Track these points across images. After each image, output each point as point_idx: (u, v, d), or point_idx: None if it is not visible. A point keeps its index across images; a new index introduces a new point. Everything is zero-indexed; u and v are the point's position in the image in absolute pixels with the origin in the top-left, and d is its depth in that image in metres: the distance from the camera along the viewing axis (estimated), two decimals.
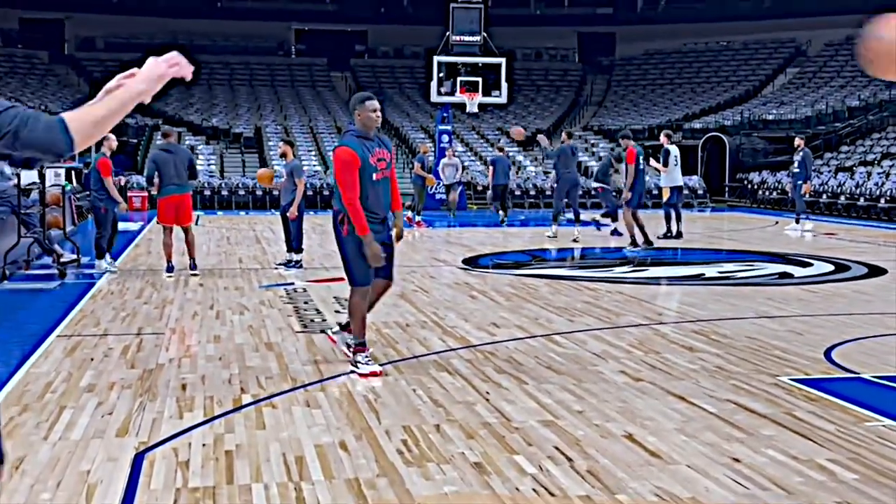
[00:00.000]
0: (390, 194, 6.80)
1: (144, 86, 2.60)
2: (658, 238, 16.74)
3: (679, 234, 17.42)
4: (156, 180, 11.95)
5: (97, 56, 44.86)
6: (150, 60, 2.70)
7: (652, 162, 17.86)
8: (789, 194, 21.20)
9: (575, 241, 16.67)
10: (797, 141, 19.74)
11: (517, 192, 29.13)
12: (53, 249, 12.60)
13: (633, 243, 15.57)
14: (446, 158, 23.70)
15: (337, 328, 7.43)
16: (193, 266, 12.28)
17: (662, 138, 17.87)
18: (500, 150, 23.63)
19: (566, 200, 17.69)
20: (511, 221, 22.00)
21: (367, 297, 6.77)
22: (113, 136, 12.48)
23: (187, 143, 33.84)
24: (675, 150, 17.71)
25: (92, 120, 2.45)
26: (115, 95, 2.54)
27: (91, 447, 4.94)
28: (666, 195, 17.65)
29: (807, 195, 19.52)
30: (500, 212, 21.57)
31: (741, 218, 24.72)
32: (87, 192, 14.85)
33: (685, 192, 21.71)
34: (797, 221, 19.30)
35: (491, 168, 21.73)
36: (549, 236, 17.63)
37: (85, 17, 44.91)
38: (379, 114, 6.67)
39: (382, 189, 6.70)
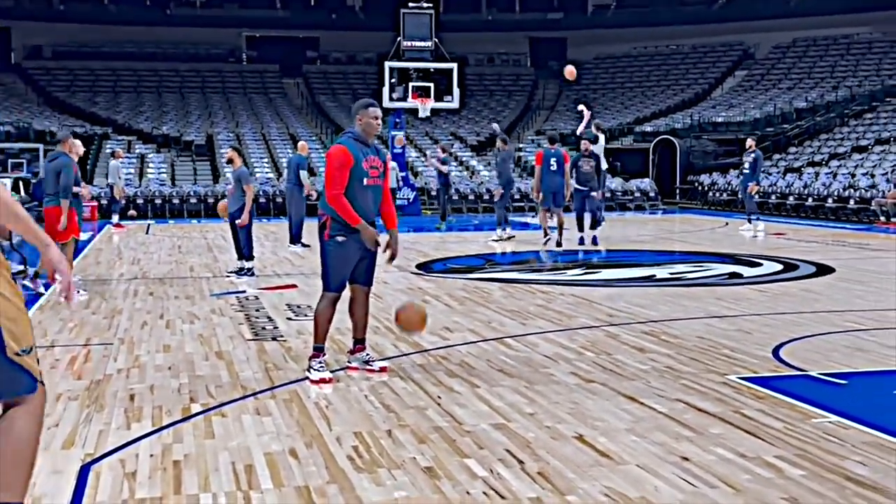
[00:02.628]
0: (379, 205, 6.78)
1: (48, 252, 3.09)
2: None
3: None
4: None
5: (44, 65, 44.34)
6: (64, 267, 3.26)
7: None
8: (739, 195, 21.45)
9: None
10: (749, 142, 19.97)
11: (470, 197, 29.21)
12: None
13: (546, 242, 16.57)
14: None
15: (349, 357, 7.04)
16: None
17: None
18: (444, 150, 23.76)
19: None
20: (464, 226, 22.02)
21: (334, 304, 6.75)
22: (79, 143, 12.25)
23: (138, 151, 33.52)
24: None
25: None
26: (30, 220, 3.02)
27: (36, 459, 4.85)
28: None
29: (755, 196, 19.73)
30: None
31: (692, 219, 24.95)
32: (37, 202, 14.60)
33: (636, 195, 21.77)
34: (749, 222, 19.51)
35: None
36: (495, 240, 17.69)
37: (31, 25, 44.32)
38: (380, 121, 6.75)
39: (372, 196, 6.68)
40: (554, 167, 16.38)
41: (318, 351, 6.67)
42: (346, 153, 6.55)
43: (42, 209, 11.35)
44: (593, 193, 17.30)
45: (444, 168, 21.75)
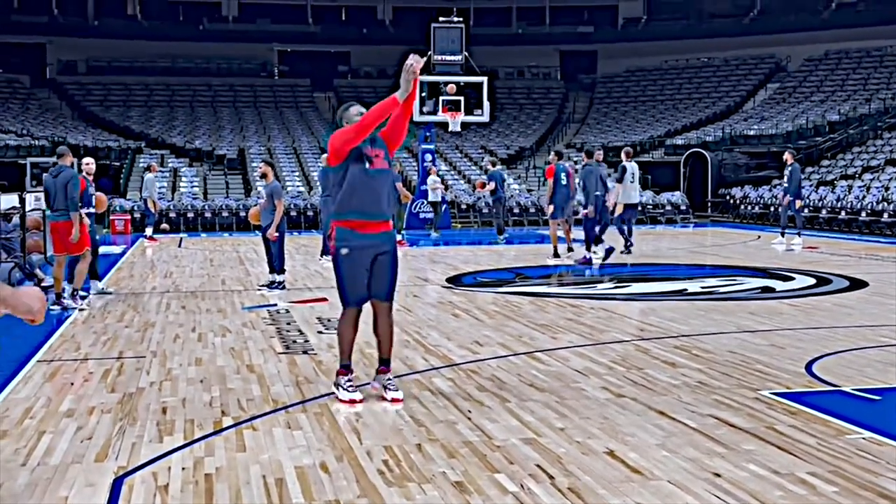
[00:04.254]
0: (386, 195, 6.38)
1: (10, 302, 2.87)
2: (621, 252, 17.25)
3: (627, 249, 17.70)
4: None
5: (79, 80, 44.85)
6: (36, 295, 2.96)
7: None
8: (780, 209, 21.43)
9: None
10: (785, 156, 19.91)
11: (516, 210, 29.31)
12: (34, 274, 12.54)
13: (556, 254, 16.75)
14: (431, 177, 23.82)
15: (377, 377, 6.72)
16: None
17: (622, 155, 18.49)
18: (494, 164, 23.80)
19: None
20: (524, 239, 22.14)
21: (355, 320, 6.50)
22: (91, 160, 12.42)
23: (170, 164, 33.79)
24: (632, 168, 18.01)
25: None
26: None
27: (70, 472, 4.91)
28: (619, 211, 17.68)
29: (793, 209, 19.63)
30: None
31: (723, 233, 24.80)
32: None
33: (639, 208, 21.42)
34: (798, 235, 19.47)
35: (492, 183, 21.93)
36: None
37: (66, 40, 44.88)
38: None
39: (379, 183, 6.33)
40: (564, 181, 16.83)
41: (346, 368, 6.52)
42: (344, 131, 6.30)
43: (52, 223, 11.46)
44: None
45: (492, 185, 21.86)
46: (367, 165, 6.27)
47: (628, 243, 17.83)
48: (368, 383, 6.82)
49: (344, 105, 6.70)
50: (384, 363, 6.63)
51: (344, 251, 6.34)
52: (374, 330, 6.61)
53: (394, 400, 6.39)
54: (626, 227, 17.99)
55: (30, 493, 4.58)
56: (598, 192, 16.35)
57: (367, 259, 6.37)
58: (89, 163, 12.33)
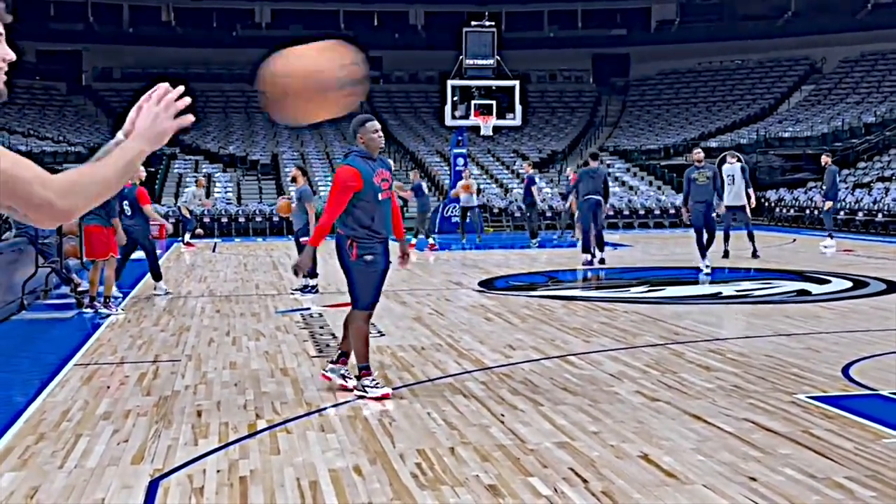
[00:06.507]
0: (391, 217, 6.84)
1: (145, 145, 2.22)
2: (722, 257, 16.86)
3: (726, 254, 17.26)
4: None
5: (114, 86, 45.29)
6: (145, 110, 2.26)
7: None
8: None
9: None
10: (823, 158, 19.77)
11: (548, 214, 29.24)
12: (71, 279, 12.67)
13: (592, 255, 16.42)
14: (462, 181, 23.82)
15: (329, 365, 7.08)
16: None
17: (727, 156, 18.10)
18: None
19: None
20: (559, 244, 22.10)
21: (368, 322, 6.82)
22: (141, 167, 12.54)
23: (204, 170, 34.04)
24: (729, 169, 17.54)
25: (78, 182, 2.06)
26: (111, 161, 2.15)
27: (106, 475, 4.95)
28: (721, 211, 17.49)
29: (829, 211, 19.49)
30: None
31: (759, 235, 24.49)
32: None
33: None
34: (830, 237, 19.34)
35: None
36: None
37: (102, 47, 45.37)
38: (381, 134, 6.76)
39: (386, 210, 6.75)
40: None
41: (366, 370, 6.70)
42: (354, 175, 6.56)
43: (84, 227, 11.60)
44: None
45: (533, 189, 22.06)
46: (380, 196, 6.68)
47: (724, 247, 17.26)
48: (403, 385, 6.85)
49: (360, 118, 6.83)
50: (345, 356, 6.97)
51: (369, 257, 6.64)
52: (345, 325, 6.96)
53: (353, 388, 6.72)
54: (727, 230, 17.42)
55: (67, 496, 4.62)
56: (593, 196, 16.10)
57: (384, 266, 6.77)
58: (140, 170, 12.46)
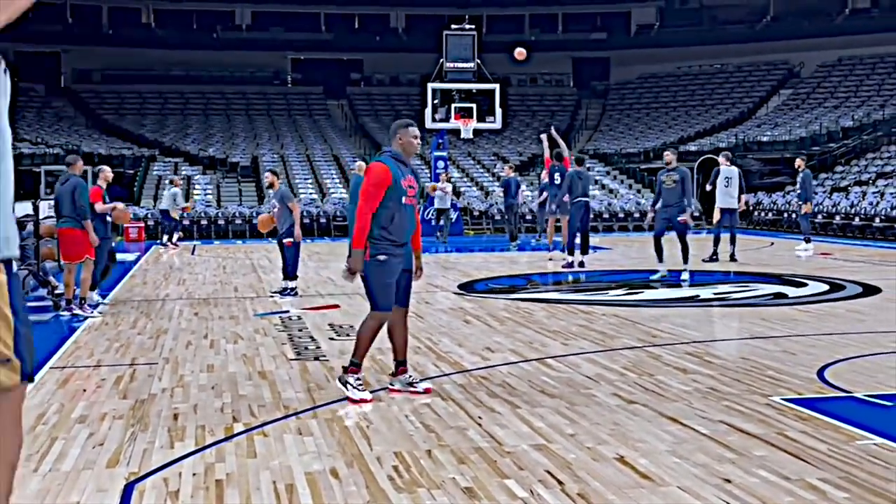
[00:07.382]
0: (413, 225, 6.81)
1: None
2: (703, 261, 17.04)
3: (732, 257, 17.31)
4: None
5: (94, 88, 45.11)
6: None
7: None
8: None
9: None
10: (797, 162, 19.87)
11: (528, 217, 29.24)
12: (48, 281, 12.60)
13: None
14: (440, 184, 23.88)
15: (391, 379, 7.02)
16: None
17: (720, 159, 18.00)
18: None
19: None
20: (537, 247, 22.11)
21: (383, 323, 6.77)
22: (108, 168, 12.51)
23: (184, 172, 33.92)
24: (728, 172, 17.51)
25: None
26: None
27: (81, 478, 4.93)
28: (717, 216, 17.59)
29: (806, 214, 19.62)
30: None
31: (737, 238, 24.64)
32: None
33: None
34: (807, 241, 19.46)
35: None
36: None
37: (81, 49, 45.14)
38: (419, 141, 6.88)
39: (408, 215, 6.73)
40: (557, 181, 18.22)
41: (356, 367, 6.69)
42: (386, 172, 6.62)
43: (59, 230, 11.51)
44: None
45: (520, 192, 22.48)
46: (404, 200, 6.69)
47: (731, 250, 17.36)
48: (381, 388, 6.85)
49: (403, 121, 6.96)
50: (402, 364, 6.94)
51: (382, 257, 6.65)
52: (390, 334, 6.93)
53: (426, 391, 6.78)
54: (718, 233, 17.54)
55: (41, 499, 4.60)
56: (582, 198, 16.07)
57: (399, 269, 6.74)
58: (106, 171, 12.40)
